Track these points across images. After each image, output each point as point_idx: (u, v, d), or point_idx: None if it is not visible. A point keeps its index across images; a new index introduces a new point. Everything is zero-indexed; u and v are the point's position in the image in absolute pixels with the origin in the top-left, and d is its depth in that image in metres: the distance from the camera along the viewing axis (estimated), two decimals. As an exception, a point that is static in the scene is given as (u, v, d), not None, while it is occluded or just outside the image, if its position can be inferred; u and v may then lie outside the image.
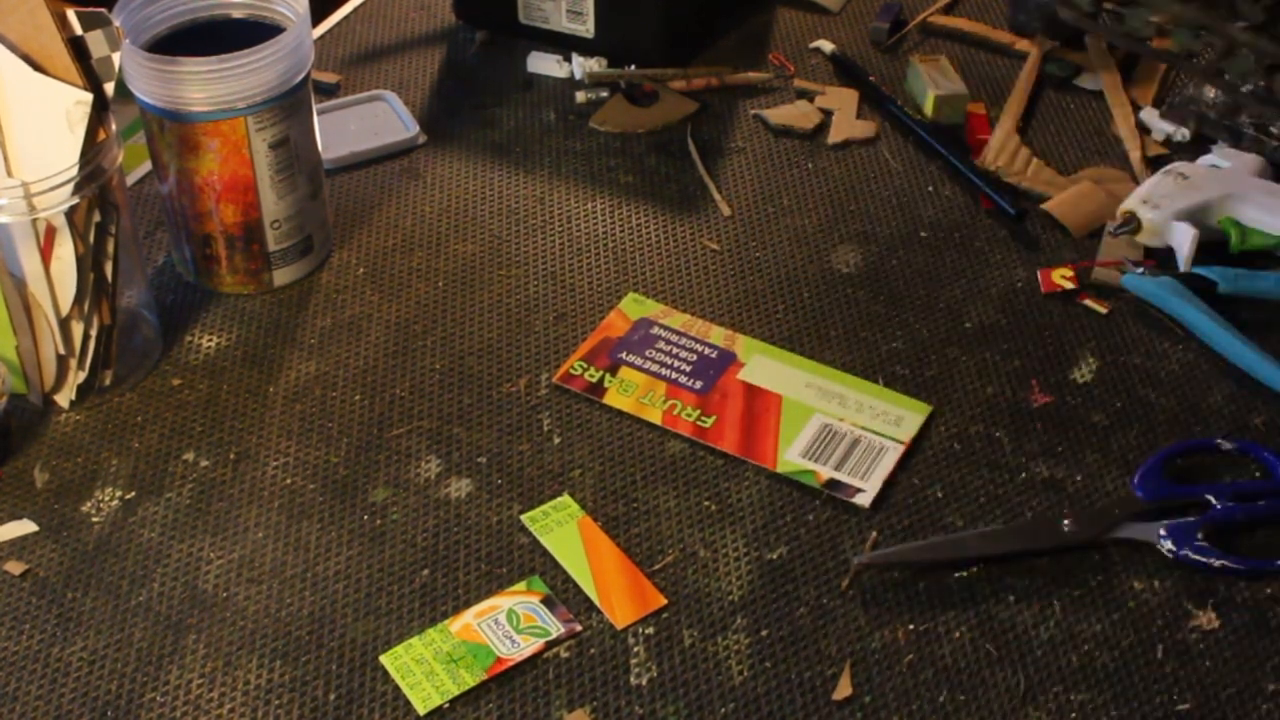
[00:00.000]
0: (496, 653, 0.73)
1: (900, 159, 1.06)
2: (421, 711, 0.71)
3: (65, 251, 0.81)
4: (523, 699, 0.72)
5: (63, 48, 0.79)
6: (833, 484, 0.82)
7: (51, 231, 0.80)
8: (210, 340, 0.91)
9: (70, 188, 0.79)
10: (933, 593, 0.77)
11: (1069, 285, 0.94)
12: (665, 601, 0.76)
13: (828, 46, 1.16)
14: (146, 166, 1.01)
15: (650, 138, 1.08)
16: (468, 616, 0.75)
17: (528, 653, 0.73)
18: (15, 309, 0.82)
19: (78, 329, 0.83)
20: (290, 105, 0.89)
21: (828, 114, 1.10)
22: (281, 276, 0.95)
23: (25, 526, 0.80)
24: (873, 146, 1.07)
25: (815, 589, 0.77)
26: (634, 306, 0.93)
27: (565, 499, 0.81)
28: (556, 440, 0.85)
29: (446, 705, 0.71)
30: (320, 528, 0.80)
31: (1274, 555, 0.78)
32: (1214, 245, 0.95)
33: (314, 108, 0.92)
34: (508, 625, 0.75)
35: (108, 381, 0.87)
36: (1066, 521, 0.79)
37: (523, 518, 0.80)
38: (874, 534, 0.80)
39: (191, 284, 0.95)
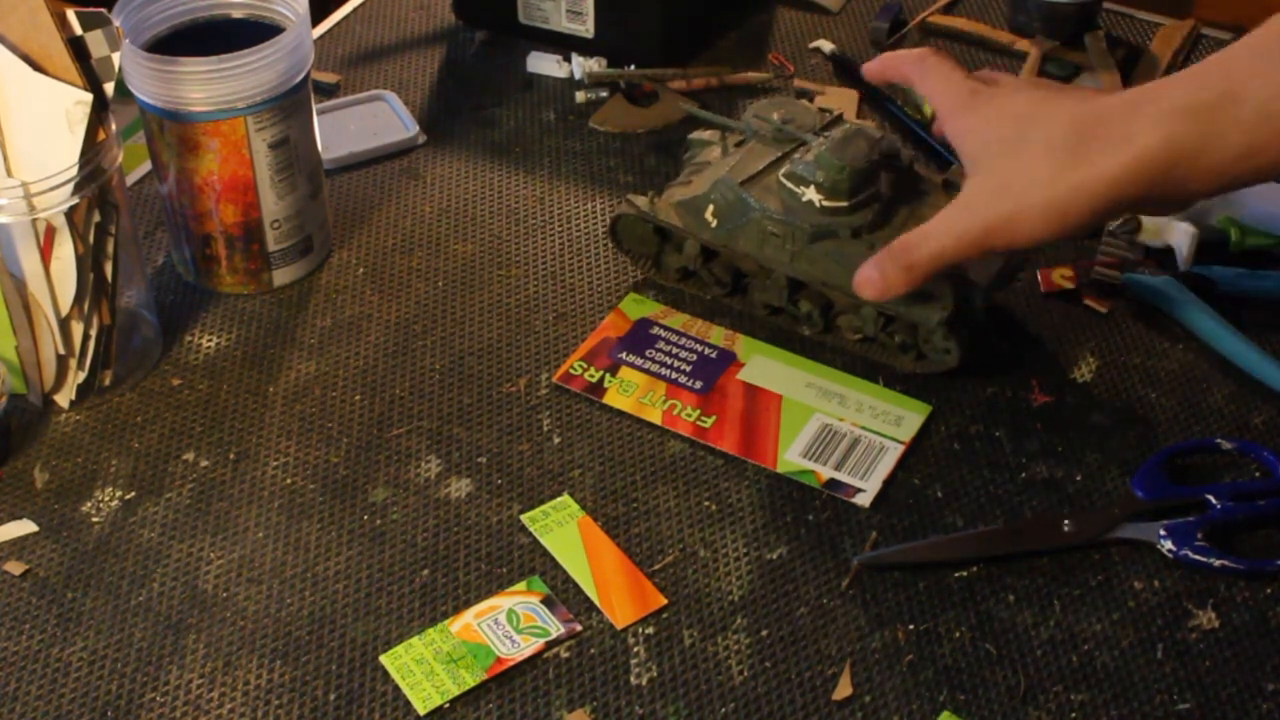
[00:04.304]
0: (496, 653, 0.73)
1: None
2: (421, 711, 0.71)
3: (65, 251, 0.81)
4: (523, 699, 0.72)
5: (63, 48, 0.79)
6: (833, 484, 0.82)
7: (51, 231, 0.80)
8: (210, 340, 0.91)
9: (70, 188, 0.79)
10: (933, 593, 0.77)
11: (1069, 285, 0.94)
12: (665, 601, 0.76)
13: (827, 46, 1.16)
14: (146, 166, 1.01)
15: (650, 138, 1.08)
16: (468, 616, 0.75)
17: (528, 653, 0.73)
18: (15, 309, 0.82)
19: (78, 329, 0.84)
20: (290, 105, 0.89)
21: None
22: (281, 276, 0.95)
23: (25, 526, 0.80)
24: (873, 146, 1.07)
25: (815, 589, 0.77)
26: (634, 306, 0.93)
27: (565, 499, 0.81)
28: (556, 440, 0.85)
29: (446, 705, 0.71)
30: (320, 528, 0.80)
31: (1274, 555, 0.78)
32: (1214, 245, 0.95)
33: (314, 108, 0.92)
34: (508, 625, 0.75)
35: (108, 381, 0.87)
36: (1066, 522, 0.79)
37: (523, 518, 0.80)
38: (874, 534, 0.80)
39: (191, 284, 0.95)
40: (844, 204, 0.85)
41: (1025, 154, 0.75)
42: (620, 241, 0.94)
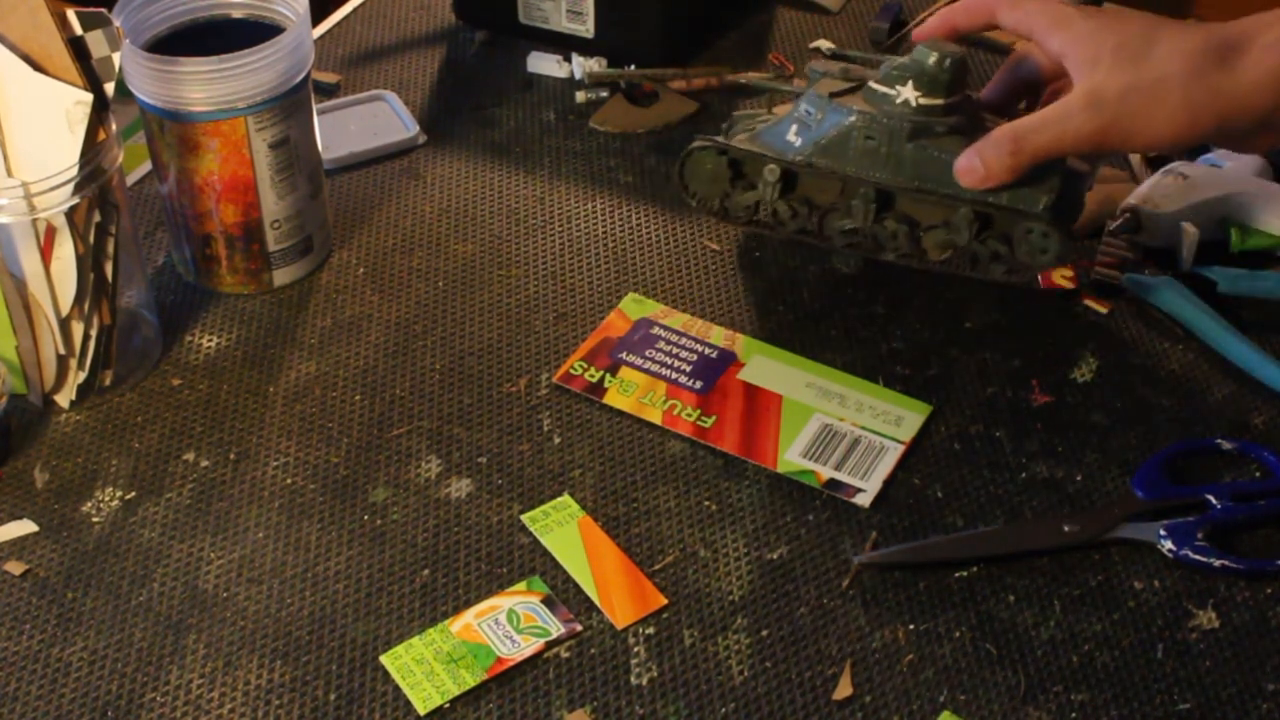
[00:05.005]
0: (497, 653, 0.73)
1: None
2: (422, 711, 0.71)
3: (65, 251, 0.81)
4: (523, 699, 0.72)
5: (63, 48, 0.79)
6: (833, 484, 0.82)
7: (51, 231, 0.80)
8: (210, 340, 0.91)
9: (70, 188, 0.79)
10: (933, 593, 0.77)
11: (1069, 285, 0.94)
12: (665, 601, 0.76)
13: (827, 46, 1.16)
14: (146, 166, 1.01)
15: (650, 138, 1.08)
16: (468, 616, 0.75)
17: (528, 653, 0.73)
18: (15, 309, 0.82)
19: (78, 329, 0.84)
20: (290, 105, 0.89)
21: (828, 114, 1.10)
22: (281, 276, 0.95)
23: (25, 526, 0.80)
24: (873, 146, 1.07)
25: (815, 589, 0.77)
26: (634, 306, 0.93)
27: (565, 499, 0.81)
28: (556, 440, 0.85)
29: (447, 705, 0.71)
30: (320, 528, 0.80)
31: (1274, 555, 0.78)
32: (1214, 245, 0.95)
33: (314, 108, 0.92)
34: (508, 625, 0.75)
35: (108, 381, 0.87)
36: (1066, 522, 0.79)
37: (523, 518, 0.80)
38: (874, 534, 0.80)
39: (191, 284, 0.95)
40: (940, 101, 0.85)
41: (1156, 57, 0.75)
42: (687, 183, 0.94)
